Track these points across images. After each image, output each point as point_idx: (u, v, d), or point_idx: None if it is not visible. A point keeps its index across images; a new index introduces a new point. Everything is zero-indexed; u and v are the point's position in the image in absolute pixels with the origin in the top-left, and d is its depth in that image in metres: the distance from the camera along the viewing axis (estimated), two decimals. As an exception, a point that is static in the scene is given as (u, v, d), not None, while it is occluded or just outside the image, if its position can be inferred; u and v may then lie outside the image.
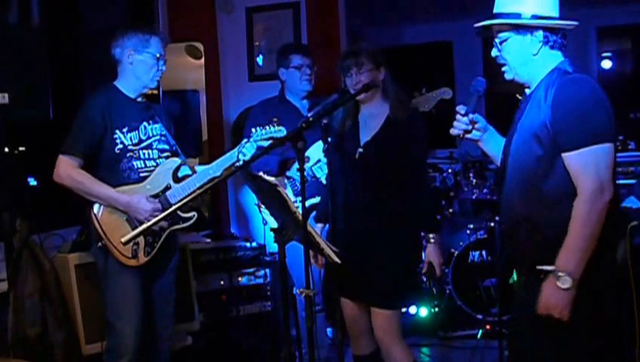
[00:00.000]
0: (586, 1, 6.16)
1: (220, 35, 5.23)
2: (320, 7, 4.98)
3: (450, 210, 5.47)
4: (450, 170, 5.43)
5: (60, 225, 3.90)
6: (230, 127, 5.24)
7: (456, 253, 4.95)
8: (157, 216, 2.83)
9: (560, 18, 2.39)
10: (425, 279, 4.70)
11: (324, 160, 3.70)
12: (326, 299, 4.09)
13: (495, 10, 2.44)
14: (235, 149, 3.33)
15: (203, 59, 4.97)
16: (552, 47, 2.39)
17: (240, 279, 4.34)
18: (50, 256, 3.62)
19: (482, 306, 4.78)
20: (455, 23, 6.80)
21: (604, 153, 2.24)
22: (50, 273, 3.56)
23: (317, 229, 3.30)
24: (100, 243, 3.17)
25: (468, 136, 2.59)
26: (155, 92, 3.42)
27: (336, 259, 2.65)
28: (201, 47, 4.94)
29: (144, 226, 2.53)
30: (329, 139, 3.17)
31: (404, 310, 3.71)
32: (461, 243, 4.99)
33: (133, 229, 3.10)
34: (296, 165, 3.73)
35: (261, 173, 2.68)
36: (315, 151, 3.76)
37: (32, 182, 3.95)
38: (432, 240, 3.18)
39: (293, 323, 3.90)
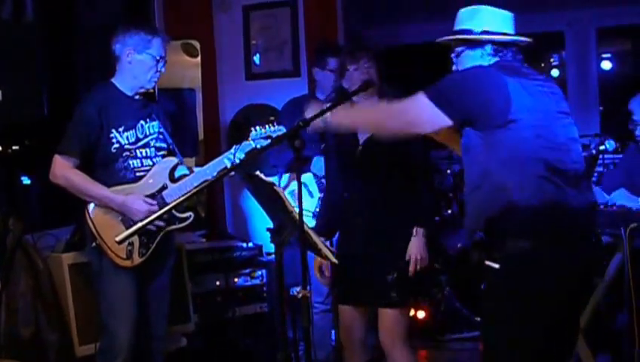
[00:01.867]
0: (586, 2, 6.13)
1: (216, 33, 5.20)
2: (318, 5, 4.95)
3: (450, 211, 5.44)
4: (449, 171, 5.41)
5: (54, 224, 3.86)
6: (226, 126, 5.20)
7: (456, 254, 4.92)
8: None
9: (515, 34, 2.54)
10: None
11: None
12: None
13: (454, 28, 2.63)
14: (232, 149, 3.28)
15: (199, 58, 4.93)
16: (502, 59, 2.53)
17: (236, 280, 4.30)
18: (43, 256, 3.58)
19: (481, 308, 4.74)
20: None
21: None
22: (44, 273, 3.53)
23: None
24: (93, 244, 3.14)
25: None
26: (151, 90, 3.38)
27: (334, 260, 2.65)
28: (197, 45, 4.91)
29: (138, 225, 2.48)
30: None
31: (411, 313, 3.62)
32: (460, 245, 4.96)
33: (127, 229, 3.06)
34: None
35: (258, 173, 2.65)
36: None
37: (26, 180, 3.91)
38: (415, 233, 3.08)
39: (291, 324, 3.85)
